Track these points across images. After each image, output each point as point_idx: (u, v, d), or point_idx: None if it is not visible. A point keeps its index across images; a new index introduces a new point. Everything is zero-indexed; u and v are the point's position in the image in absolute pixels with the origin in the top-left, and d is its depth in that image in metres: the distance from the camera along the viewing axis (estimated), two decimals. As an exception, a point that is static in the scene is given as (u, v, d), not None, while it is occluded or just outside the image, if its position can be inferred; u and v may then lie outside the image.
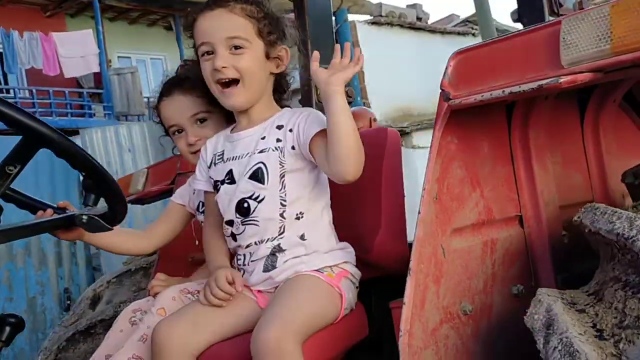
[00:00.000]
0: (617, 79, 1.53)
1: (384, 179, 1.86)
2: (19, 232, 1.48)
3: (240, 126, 1.76)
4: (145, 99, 12.87)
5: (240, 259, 1.69)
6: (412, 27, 10.52)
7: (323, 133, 1.56)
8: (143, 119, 12.44)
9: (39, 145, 1.25)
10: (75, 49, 12.26)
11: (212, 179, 1.75)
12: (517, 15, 2.15)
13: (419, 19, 10.77)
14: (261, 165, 1.64)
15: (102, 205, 1.59)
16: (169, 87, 1.94)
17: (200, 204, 1.98)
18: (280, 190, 1.63)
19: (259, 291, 1.66)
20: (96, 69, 12.63)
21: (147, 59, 15.35)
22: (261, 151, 1.66)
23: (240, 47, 1.65)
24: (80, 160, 1.30)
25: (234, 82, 1.66)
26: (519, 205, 1.73)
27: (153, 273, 2.35)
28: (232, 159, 1.71)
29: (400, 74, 9.73)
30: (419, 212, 1.45)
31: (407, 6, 11.06)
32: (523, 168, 1.73)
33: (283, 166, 1.64)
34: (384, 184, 1.86)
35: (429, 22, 11.16)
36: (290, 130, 1.65)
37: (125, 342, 1.68)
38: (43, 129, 1.23)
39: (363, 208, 1.86)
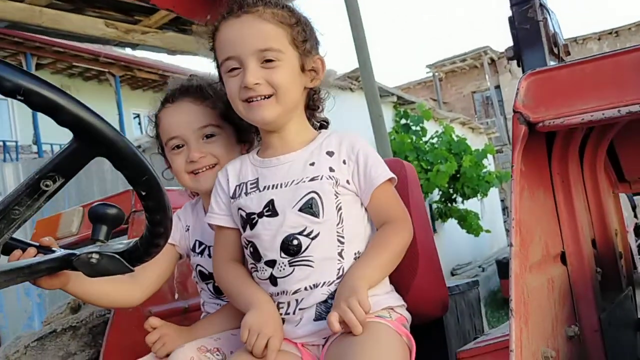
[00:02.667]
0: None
1: (413, 214, 1.67)
2: (5, 277, 1.09)
3: (274, 149, 1.50)
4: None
5: (282, 308, 1.40)
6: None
7: (383, 187, 1.44)
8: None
9: (97, 152, 0.92)
10: None
11: (243, 211, 1.45)
12: (513, 53, 2.11)
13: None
14: (314, 195, 1.39)
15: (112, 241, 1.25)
16: (176, 94, 1.64)
17: (197, 243, 1.66)
18: (338, 225, 1.40)
19: (302, 345, 1.38)
20: None
21: (-8, 99, 14.05)
22: (312, 179, 1.41)
23: (273, 60, 1.41)
24: (144, 175, 0.97)
25: (266, 98, 1.42)
26: (562, 241, 1.64)
27: (108, 330, 1.95)
28: (272, 188, 1.44)
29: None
30: (510, 245, 1.29)
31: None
32: (563, 201, 1.65)
33: (338, 197, 1.41)
34: (414, 220, 1.67)
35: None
36: (344, 162, 1.45)
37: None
38: (107, 130, 0.90)
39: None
